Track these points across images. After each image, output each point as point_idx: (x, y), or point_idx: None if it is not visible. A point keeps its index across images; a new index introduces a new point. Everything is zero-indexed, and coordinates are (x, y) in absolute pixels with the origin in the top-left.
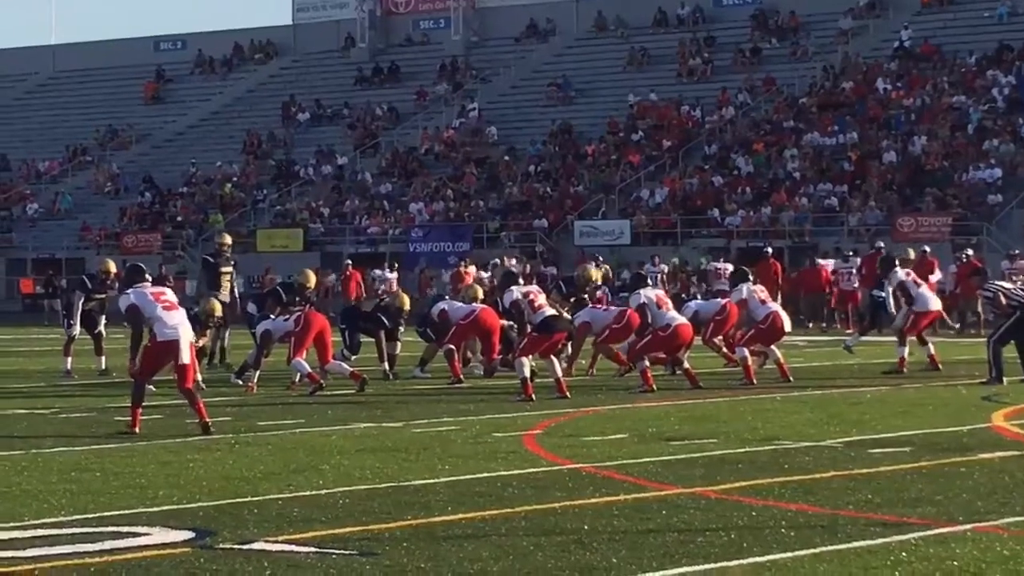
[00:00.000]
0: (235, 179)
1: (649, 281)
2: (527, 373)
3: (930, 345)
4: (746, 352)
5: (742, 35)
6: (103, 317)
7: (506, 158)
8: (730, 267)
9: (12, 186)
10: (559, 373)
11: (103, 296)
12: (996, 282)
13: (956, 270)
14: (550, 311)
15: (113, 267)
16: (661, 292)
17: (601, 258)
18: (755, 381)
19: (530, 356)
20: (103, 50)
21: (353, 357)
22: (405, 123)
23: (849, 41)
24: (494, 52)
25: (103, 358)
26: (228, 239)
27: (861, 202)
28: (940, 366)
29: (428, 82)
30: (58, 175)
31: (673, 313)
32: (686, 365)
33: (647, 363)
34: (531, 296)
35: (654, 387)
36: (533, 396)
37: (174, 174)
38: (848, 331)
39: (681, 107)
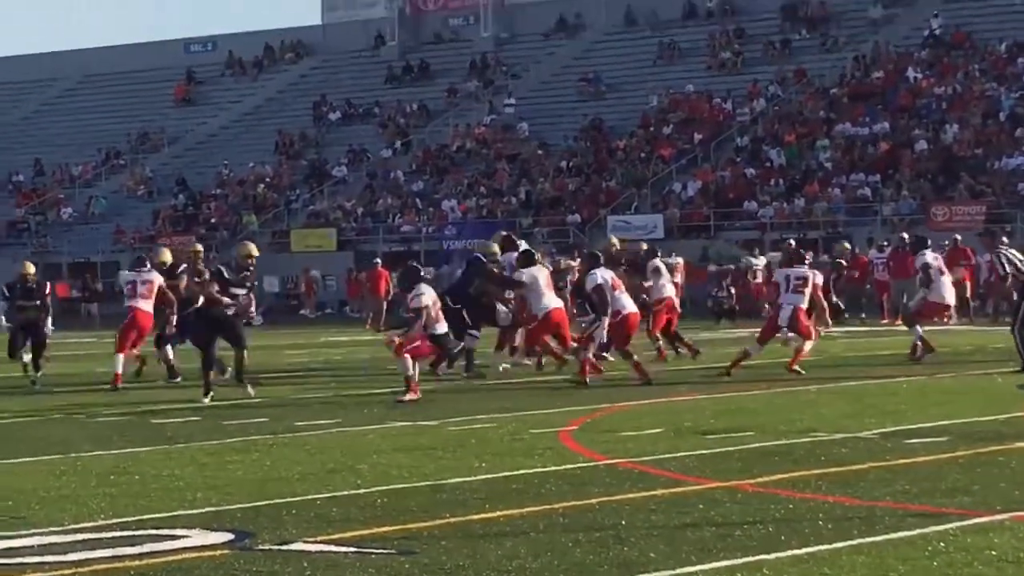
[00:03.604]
0: (268, 180)
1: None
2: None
3: (919, 329)
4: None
5: (772, 27)
6: None
7: (538, 153)
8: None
9: (46, 190)
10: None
11: None
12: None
13: (990, 259)
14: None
15: None
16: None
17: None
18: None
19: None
20: (133, 53)
21: None
22: (436, 120)
23: (879, 30)
24: (524, 48)
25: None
26: (253, 250)
27: (894, 192)
28: (924, 354)
29: (458, 79)
30: (91, 179)
31: (625, 298)
32: (635, 357)
33: (591, 353)
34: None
35: (587, 382)
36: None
37: (207, 176)
38: (884, 321)
39: (712, 100)
